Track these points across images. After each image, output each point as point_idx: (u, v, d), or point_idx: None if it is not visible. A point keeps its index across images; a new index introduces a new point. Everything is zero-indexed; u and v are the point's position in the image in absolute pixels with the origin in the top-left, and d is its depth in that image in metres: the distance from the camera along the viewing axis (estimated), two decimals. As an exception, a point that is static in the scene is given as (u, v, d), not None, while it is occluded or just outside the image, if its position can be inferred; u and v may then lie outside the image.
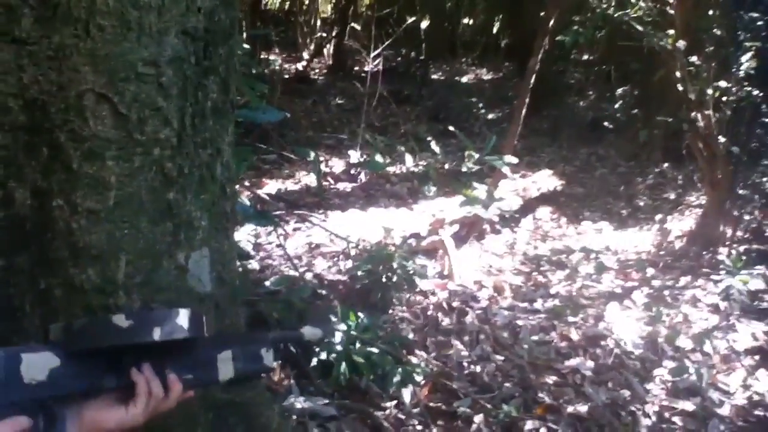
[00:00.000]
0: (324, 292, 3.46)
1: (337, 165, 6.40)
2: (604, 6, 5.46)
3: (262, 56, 8.66)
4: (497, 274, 4.46)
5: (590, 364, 3.26)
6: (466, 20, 12.81)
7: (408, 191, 5.93)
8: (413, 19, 10.52)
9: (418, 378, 2.73)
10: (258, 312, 2.71)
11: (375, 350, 2.68)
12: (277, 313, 2.73)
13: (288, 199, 5.34)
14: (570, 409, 2.81)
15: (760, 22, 4.51)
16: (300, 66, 9.87)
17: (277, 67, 9.09)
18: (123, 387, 0.95)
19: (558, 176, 6.81)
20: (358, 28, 9.82)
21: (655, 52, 5.02)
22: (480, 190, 4.70)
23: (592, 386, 3.03)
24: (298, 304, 2.80)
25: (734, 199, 4.91)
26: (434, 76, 10.71)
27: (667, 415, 2.88)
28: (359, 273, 3.64)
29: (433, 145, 5.25)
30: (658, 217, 5.74)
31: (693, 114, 4.79)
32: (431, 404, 2.69)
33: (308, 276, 3.82)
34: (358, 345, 2.69)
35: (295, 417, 2.34)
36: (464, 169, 4.81)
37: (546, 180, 6.67)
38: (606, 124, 8.43)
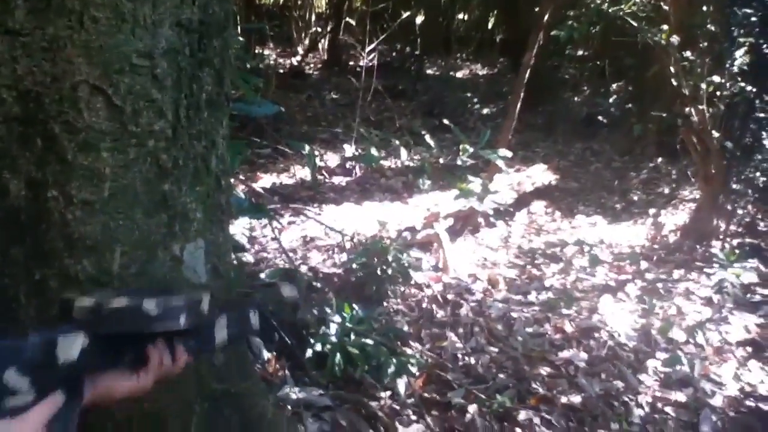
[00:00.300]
0: (319, 284, 3.48)
1: (332, 159, 6.40)
2: (599, 1, 5.47)
3: (256, 51, 8.65)
4: (492, 267, 4.48)
5: (584, 355, 3.28)
6: (461, 15, 12.82)
7: (403, 185, 5.94)
8: (408, 14, 10.51)
9: (413, 369, 2.75)
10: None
11: (370, 342, 2.70)
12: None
13: (283, 193, 5.35)
14: (563, 399, 2.83)
15: (753, 18, 4.53)
16: (295, 61, 9.86)
17: (271, 62, 9.08)
18: (137, 359, 0.99)
19: (552, 171, 6.83)
20: (353, 23, 9.82)
21: (650, 47, 5.04)
22: (475, 184, 4.71)
23: (586, 377, 3.05)
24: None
25: (728, 194, 4.94)
26: (429, 71, 10.71)
27: (659, 405, 2.90)
28: (354, 266, 3.66)
29: (428, 139, 5.26)
30: (652, 211, 5.77)
31: (687, 109, 4.81)
32: (426, 395, 2.71)
33: (303, 269, 3.84)
34: (353, 337, 2.71)
35: (290, 407, 2.35)
36: (459, 163, 4.82)
37: (540, 174, 6.68)
38: (600, 119, 8.46)
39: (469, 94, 9.61)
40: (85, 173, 1.22)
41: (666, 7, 5.15)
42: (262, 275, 3.22)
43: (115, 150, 1.24)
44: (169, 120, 1.31)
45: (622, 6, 5.10)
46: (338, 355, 2.60)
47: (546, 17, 5.27)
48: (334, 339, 2.66)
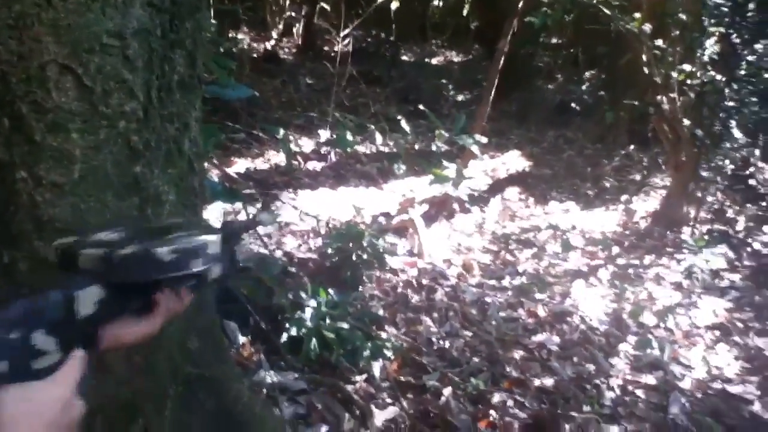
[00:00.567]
0: (294, 269, 3.47)
1: (307, 144, 6.37)
2: (573, -12, 5.50)
3: (230, 34, 8.54)
4: (466, 252, 4.51)
5: (556, 339, 3.33)
6: (436, 2, 12.77)
7: (378, 171, 5.93)
8: (383, -1, 10.44)
9: (388, 353, 2.76)
10: (227, 288, 2.70)
11: (345, 326, 2.70)
12: (246, 290, 2.73)
13: (257, 178, 5.31)
14: (536, 382, 2.87)
15: (724, 8, 4.59)
16: (269, 45, 9.75)
17: (245, 46, 8.98)
18: (145, 305, 0.98)
19: (526, 157, 6.88)
20: (328, 8, 9.72)
21: (622, 35, 5.08)
22: (450, 170, 4.73)
23: (559, 361, 3.10)
24: (268, 280, 2.80)
25: (698, 181, 5.03)
26: (404, 58, 10.69)
27: (630, 388, 2.96)
28: (329, 251, 3.66)
29: (404, 125, 5.26)
30: (624, 197, 5.85)
31: (658, 97, 4.87)
32: (401, 378, 2.73)
33: (278, 254, 3.82)
34: (328, 321, 2.71)
35: (265, 391, 2.35)
36: (434, 149, 4.83)
37: (514, 161, 6.73)
38: (573, 106, 8.53)
39: (444, 81, 9.61)
40: (55, 154, 1.20)
41: (639, -4, 5.19)
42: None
43: (85, 131, 1.22)
44: (140, 101, 1.28)
45: (596, -7, 5.12)
46: (313, 340, 2.60)
47: (520, 4, 5.28)
48: (309, 323, 2.66)
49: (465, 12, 12.18)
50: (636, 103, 5.83)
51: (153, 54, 1.30)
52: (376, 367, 2.67)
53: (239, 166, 5.55)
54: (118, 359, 1.37)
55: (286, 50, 10.02)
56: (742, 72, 4.68)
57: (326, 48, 9.90)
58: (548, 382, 2.90)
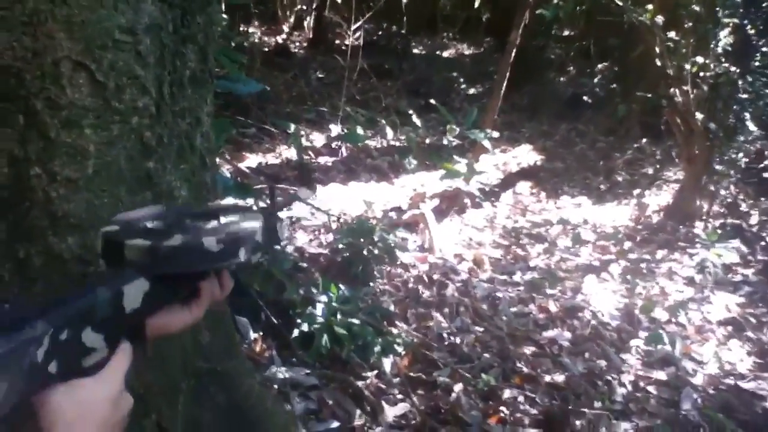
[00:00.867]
0: (305, 265, 3.47)
1: (318, 139, 6.37)
2: (585, -20, 5.46)
3: (241, 28, 8.54)
4: (477, 247, 4.50)
5: (567, 335, 3.32)
6: (447, -6, 12.70)
7: (389, 165, 5.93)
8: (394, -8, 10.40)
9: (399, 348, 2.76)
10: (238, 283, 2.71)
11: (356, 322, 2.71)
12: (258, 285, 2.74)
13: (269, 173, 5.32)
14: (547, 378, 2.86)
15: (738, -1, 4.55)
16: (280, 39, 9.75)
17: (256, 40, 8.98)
18: (191, 294, 0.97)
19: (538, 151, 6.85)
20: (339, 1, 9.70)
21: (635, 27, 5.04)
22: (461, 164, 4.72)
23: (570, 356, 3.09)
24: (279, 275, 2.80)
25: (711, 175, 4.99)
26: (415, 51, 10.65)
27: (641, 384, 2.95)
28: (340, 246, 3.66)
29: (415, 119, 5.24)
30: (636, 191, 5.81)
31: (671, 90, 4.83)
32: (411, 374, 2.73)
33: (289, 249, 3.83)
34: (339, 316, 2.71)
35: (276, 387, 2.36)
36: (445, 143, 4.82)
37: (526, 155, 6.70)
38: (585, 99, 8.47)
39: (455, 74, 9.58)
40: (69, 150, 1.20)
41: (651, -13, 5.14)
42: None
43: (98, 127, 1.22)
44: (152, 97, 1.29)
45: (608, -15, 5.09)
46: (324, 335, 2.61)
47: (532, -4, 5.25)
48: (320, 319, 2.67)
49: (476, 4, 12.12)
50: (648, 95, 5.79)
51: (165, 49, 1.31)
52: (387, 363, 2.67)
53: (251, 160, 5.56)
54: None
55: (297, 44, 10.02)
56: (757, 64, 4.64)
57: (337, 41, 9.87)
58: (559, 378, 2.89)
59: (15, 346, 0.69)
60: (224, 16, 3.81)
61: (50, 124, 1.18)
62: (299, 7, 10.36)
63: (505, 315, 3.47)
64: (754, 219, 5.03)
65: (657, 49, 4.76)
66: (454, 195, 4.98)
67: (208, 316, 1.62)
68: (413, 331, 3.14)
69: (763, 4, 4.57)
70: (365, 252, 3.54)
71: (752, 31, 4.59)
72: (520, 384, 2.80)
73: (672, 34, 4.71)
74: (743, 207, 5.21)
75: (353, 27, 7.67)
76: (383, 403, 2.44)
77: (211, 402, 1.64)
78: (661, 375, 3.04)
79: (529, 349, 3.14)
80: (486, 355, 3.02)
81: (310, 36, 10.15)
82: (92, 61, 1.18)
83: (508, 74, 5.27)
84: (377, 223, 3.80)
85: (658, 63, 4.80)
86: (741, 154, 4.99)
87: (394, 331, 3.01)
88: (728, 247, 4.33)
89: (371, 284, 3.53)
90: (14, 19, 1.12)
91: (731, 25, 4.60)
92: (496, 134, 4.68)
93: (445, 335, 3.17)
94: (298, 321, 2.67)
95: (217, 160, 2.44)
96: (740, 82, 4.67)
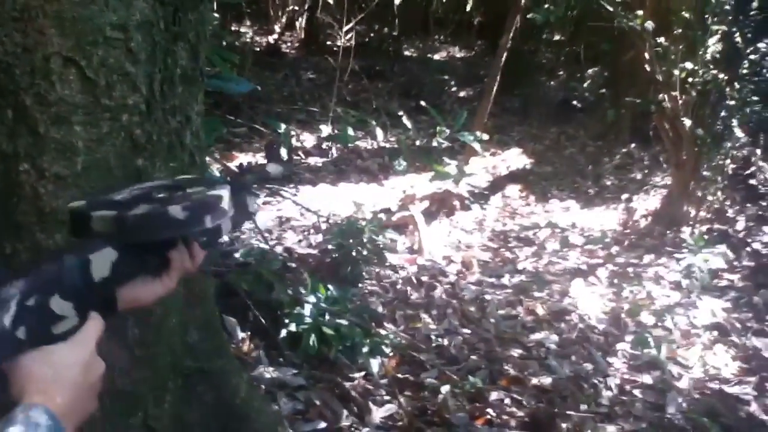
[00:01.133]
0: (294, 265, 3.47)
1: (309, 139, 6.36)
2: (576, -15, 5.49)
3: (232, 28, 8.52)
4: (466, 249, 4.51)
5: (555, 338, 3.33)
6: (439, -3, 12.73)
7: (379, 166, 5.93)
8: (386, -6, 10.41)
9: (387, 350, 2.77)
10: (227, 283, 2.70)
11: (344, 322, 2.71)
12: (246, 285, 2.73)
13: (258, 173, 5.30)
14: (534, 381, 2.87)
15: (727, 6, 4.58)
16: (271, 39, 9.73)
17: (248, 40, 8.96)
18: (160, 264, 0.97)
19: (527, 155, 6.87)
20: (331, 2, 9.69)
21: (625, 33, 5.07)
22: (451, 167, 4.73)
23: (557, 359, 3.10)
24: (268, 275, 2.80)
25: (698, 180, 5.02)
26: (407, 53, 10.66)
27: (627, 387, 2.96)
28: (329, 247, 3.66)
29: (405, 121, 5.25)
30: (624, 196, 5.84)
31: (660, 95, 4.86)
32: (399, 375, 2.73)
33: (278, 249, 3.82)
34: (327, 317, 2.71)
35: (263, 386, 2.36)
36: (435, 145, 4.83)
37: (515, 158, 6.72)
38: (575, 103, 8.51)
39: (446, 77, 9.59)
40: (58, 147, 1.20)
41: (642, -7, 5.18)
42: (237, 254, 3.21)
43: (88, 124, 1.22)
44: (143, 94, 1.29)
45: (599, -10, 5.11)
46: (312, 335, 2.60)
47: (523, 0, 5.27)
48: (308, 319, 2.66)
49: (468, 7, 12.15)
50: (638, 100, 5.81)
51: (156, 47, 1.30)
52: (375, 364, 2.67)
53: (240, 160, 5.54)
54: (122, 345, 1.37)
55: (289, 44, 10.00)
56: (744, 71, 4.67)
57: (329, 42, 9.87)
58: (546, 380, 2.89)
59: None
60: (216, 14, 3.80)
61: (39, 120, 1.18)
62: (291, 7, 10.35)
63: (493, 317, 3.48)
64: (741, 225, 5.06)
65: (646, 55, 4.79)
66: (443, 197, 4.99)
67: (196, 316, 1.63)
68: (401, 332, 3.14)
69: (752, 12, 4.61)
70: (354, 253, 3.54)
71: (740, 39, 4.63)
72: (507, 386, 2.81)
73: (662, 40, 4.73)
74: (730, 213, 5.24)
75: (345, 28, 7.67)
76: (370, 404, 2.44)
77: (199, 401, 1.64)
78: (646, 378, 3.05)
79: (516, 352, 3.15)
80: (473, 357, 3.03)
81: (302, 36, 10.14)
82: (82, 58, 1.18)
83: (498, 78, 5.29)
84: (366, 224, 3.79)
85: (648, 68, 4.83)
86: (728, 161, 5.02)
87: (382, 332, 3.01)
88: (715, 252, 4.35)
89: (360, 285, 3.53)
90: (5, 15, 1.12)
91: (720, 32, 4.63)
92: (486, 137, 4.69)
93: (432, 337, 3.17)
94: (286, 321, 2.67)
95: (207, 158, 2.43)
96: (728, 89, 4.70)
